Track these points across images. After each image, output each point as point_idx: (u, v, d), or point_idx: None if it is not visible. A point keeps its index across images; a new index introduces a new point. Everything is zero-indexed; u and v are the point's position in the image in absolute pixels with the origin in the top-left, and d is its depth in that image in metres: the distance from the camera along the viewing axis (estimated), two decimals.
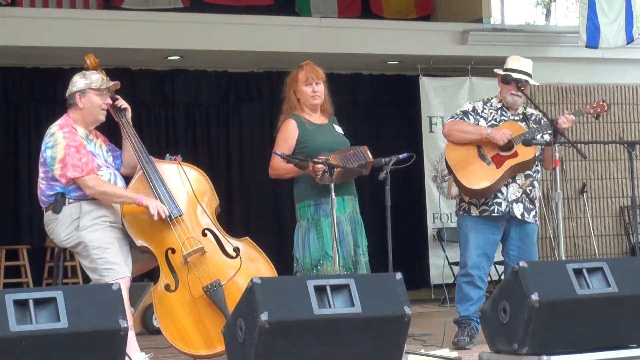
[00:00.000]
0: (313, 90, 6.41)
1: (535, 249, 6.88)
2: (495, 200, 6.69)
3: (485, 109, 6.88)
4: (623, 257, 11.16)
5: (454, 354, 5.98)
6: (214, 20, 10.18)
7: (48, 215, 5.85)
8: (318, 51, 9.95)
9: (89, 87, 5.87)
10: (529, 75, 6.86)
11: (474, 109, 6.88)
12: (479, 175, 6.66)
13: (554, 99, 11.49)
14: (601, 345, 5.10)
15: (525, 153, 6.66)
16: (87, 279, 6.00)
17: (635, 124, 11.96)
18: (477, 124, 6.80)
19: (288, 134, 6.38)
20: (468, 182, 6.67)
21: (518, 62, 6.88)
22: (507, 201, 6.69)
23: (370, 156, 6.32)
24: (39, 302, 4.39)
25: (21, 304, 4.35)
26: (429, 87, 11.01)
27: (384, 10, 11.88)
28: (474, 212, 6.76)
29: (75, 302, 4.44)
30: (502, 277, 7.18)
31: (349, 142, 6.50)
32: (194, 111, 11.17)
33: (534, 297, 4.89)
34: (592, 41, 10.65)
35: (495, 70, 6.99)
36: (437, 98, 11.02)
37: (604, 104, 6.87)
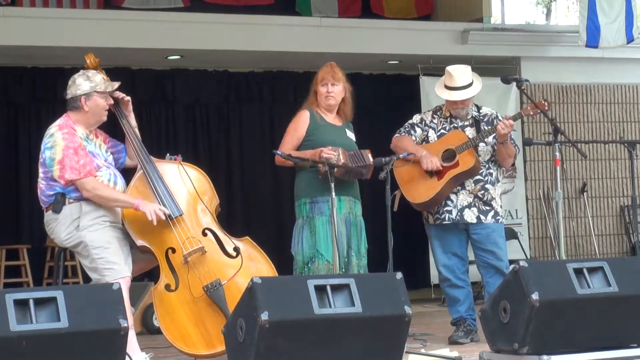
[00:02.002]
0: (327, 90, 6.48)
1: (501, 247, 6.84)
2: (445, 209, 6.76)
3: (435, 118, 6.91)
4: (623, 257, 11.16)
5: (454, 353, 5.98)
6: (215, 20, 10.18)
7: (48, 215, 5.85)
8: (318, 51, 9.95)
9: (94, 89, 5.85)
10: (464, 87, 6.76)
11: (421, 120, 6.93)
12: (421, 189, 6.73)
13: (554, 98, 11.48)
14: (601, 344, 5.09)
15: (465, 163, 6.70)
16: (87, 279, 5.99)
17: (636, 124, 11.96)
18: (427, 135, 6.84)
19: (299, 124, 6.49)
20: (411, 197, 6.77)
21: (452, 78, 6.77)
22: (457, 208, 6.74)
23: (371, 160, 6.36)
24: (39, 302, 4.39)
25: (21, 304, 4.35)
26: (429, 86, 10.97)
27: (384, 10, 11.88)
28: (431, 220, 6.86)
29: (75, 301, 4.44)
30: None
31: (357, 148, 6.55)
32: (194, 111, 11.17)
33: (535, 296, 4.88)
34: (592, 41, 10.65)
35: (436, 91, 6.92)
36: (437, 98, 10.97)
37: (545, 102, 6.84)
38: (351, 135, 6.65)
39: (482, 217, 6.76)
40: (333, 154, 6.26)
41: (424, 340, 6.89)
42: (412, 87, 11.14)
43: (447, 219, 6.75)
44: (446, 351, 6.08)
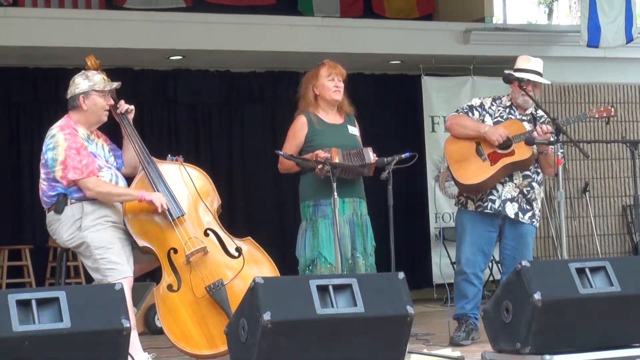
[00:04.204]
0: (335, 85, 6.48)
1: (530, 250, 6.84)
2: (489, 197, 6.69)
3: (493, 105, 6.87)
4: (626, 257, 11.15)
5: (457, 353, 5.97)
6: (216, 20, 10.19)
7: (50, 216, 5.85)
8: (320, 51, 9.94)
9: (92, 88, 5.86)
10: (539, 74, 6.83)
11: (481, 105, 6.88)
12: (472, 171, 6.67)
13: (556, 98, 11.49)
14: (604, 344, 5.09)
15: (522, 152, 6.65)
16: (89, 279, 6.00)
17: (638, 123, 11.95)
18: (482, 120, 6.80)
19: (296, 131, 6.47)
20: (460, 177, 6.69)
21: (528, 62, 6.87)
22: (501, 199, 6.69)
23: (372, 158, 6.34)
24: (41, 302, 4.39)
25: (24, 304, 4.35)
26: (431, 86, 11.01)
27: (385, 10, 11.88)
28: (470, 206, 6.77)
29: (77, 302, 4.44)
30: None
31: (360, 144, 6.54)
32: (196, 111, 11.18)
33: (537, 296, 4.88)
34: (593, 41, 10.67)
35: (506, 71, 6.95)
36: (439, 98, 11.01)
37: (611, 108, 6.85)
38: (354, 130, 6.61)
39: (520, 214, 6.71)
40: (327, 156, 6.24)
41: (426, 340, 6.88)
42: (414, 87, 11.15)
43: (489, 207, 6.67)
44: (448, 351, 6.07)
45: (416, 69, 11.01)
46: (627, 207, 11.69)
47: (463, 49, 10.91)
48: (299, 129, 6.46)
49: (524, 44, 11.18)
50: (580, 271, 5.08)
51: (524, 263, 5.04)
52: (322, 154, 6.24)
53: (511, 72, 6.78)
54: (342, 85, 6.53)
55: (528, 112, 6.87)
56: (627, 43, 10.81)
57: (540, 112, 6.92)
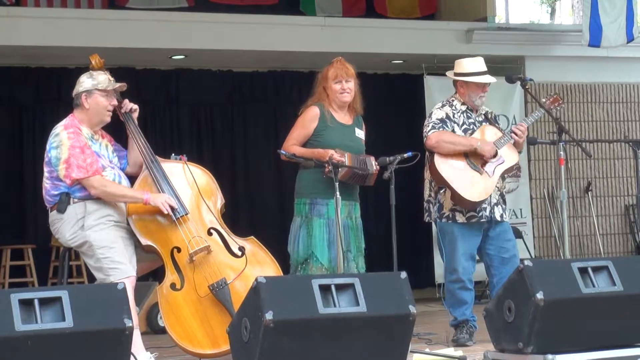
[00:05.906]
0: (342, 87, 6.47)
1: (514, 244, 6.86)
2: (482, 206, 6.66)
3: (454, 113, 6.77)
4: (628, 256, 11.15)
5: (459, 352, 5.97)
6: (219, 19, 10.19)
7: (53, 215, 5.86)
8: (322, 50, 9.96)
9: (96, 87, 5.86)
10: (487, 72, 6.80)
11: (447, 116, 6.75)
12: (479, 186, 6.60)
13: None
14: (606, 344, 5.09)
15: (511, 158, 6.67)
16: (92, 279, 6.00)
17: None
18: (452, 130, 6.69)
19: (308, 121, 6.46)
20: (470, 196, 6.56)
21: (477, 63, 6.76)
22: (491, 205, 6.69)
23: (375, 168, 6.35)
24: (44, 302, 4.39)
25: (26, 304, 4.35)
26: (433, 86, 10.99)
27: (387, 10, 11.88)
28: (460, 218, 6.66)
29: (80, 301, 4.44)
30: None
31: (364, 148, 6.54)
32: (198, 111, 11.18)
33: (539, 295, 4.88)
34: (595, 40, 10.67)
35: (447, 73, 6.88)
36: (441, 97, 10.92)
37: (558, 97, 6.86)
38: (360, 133, 6.61)
39: (503, 215, 6.75)
40: (342, 160, 6.24)
41: (428, 339, 6.88)
42: (416, 87, 11.14)
43: (483, 216, 6.65)
44: (451, 351, 6.08)
45: (418, 69, 11.00)
46: (629, 206, 11.69)
47: (465, 48, 10.90)
48: (311, 119, 6.44)
49: (526, 43, 11.20)
50: (583, 271, 5.08)
51: (526, 262, 5.04)
52: (336, 156, 6.23)
53: (511, 75, 6.76)
54: (351, 86, 6.50)
55: (481, 112, 6.84)
56: (627, 42, 10.81)
57: (485, 107, 6.88)
